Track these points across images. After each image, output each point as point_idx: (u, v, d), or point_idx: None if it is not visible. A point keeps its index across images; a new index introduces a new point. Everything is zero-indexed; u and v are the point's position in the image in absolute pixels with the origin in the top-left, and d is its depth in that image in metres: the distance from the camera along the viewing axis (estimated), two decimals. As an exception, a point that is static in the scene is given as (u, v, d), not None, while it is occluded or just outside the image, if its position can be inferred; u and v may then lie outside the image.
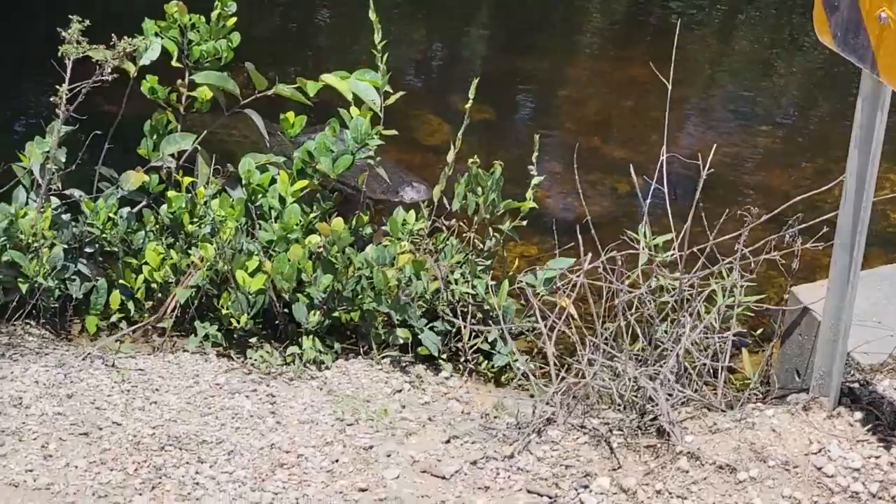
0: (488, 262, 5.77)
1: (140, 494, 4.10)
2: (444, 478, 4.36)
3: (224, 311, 5.41)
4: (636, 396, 4.72)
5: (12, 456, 4.25)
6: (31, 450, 4.30)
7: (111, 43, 5.44)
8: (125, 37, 5.50)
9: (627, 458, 4.50)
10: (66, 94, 5.45)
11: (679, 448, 4.47)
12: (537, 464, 4.44)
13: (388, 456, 4.47)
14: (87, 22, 5.44)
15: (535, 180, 5.81)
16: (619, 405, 4.74)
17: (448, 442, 4.59)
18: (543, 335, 5.16)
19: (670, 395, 4.69)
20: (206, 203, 5.58)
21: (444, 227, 5.81)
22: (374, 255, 5.42)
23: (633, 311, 5.25)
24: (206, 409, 4.76)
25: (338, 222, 5.33)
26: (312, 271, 5.38)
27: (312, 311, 5.37)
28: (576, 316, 5.39)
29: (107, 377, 4.93)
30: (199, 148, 5.92)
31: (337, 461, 4.42)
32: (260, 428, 4.63)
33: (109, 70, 5.43)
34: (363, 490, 4.26)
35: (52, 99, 5.46)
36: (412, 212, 5.76)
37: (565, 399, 4.71)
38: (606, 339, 5.01)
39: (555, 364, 4.99)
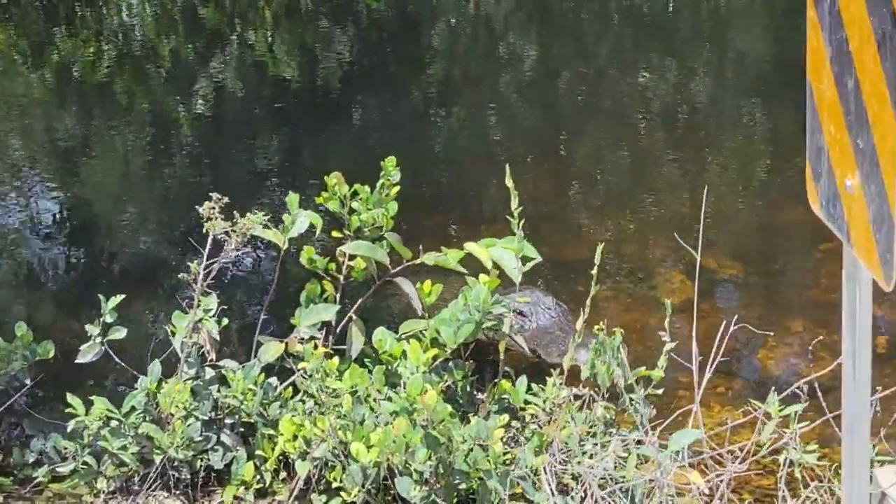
0: (616, 432, 5.44)
1: None
2: None
3: (335, 485, 5.37)
4: None
5: None
6: None
7: (233, 220, 5.60)
8: (248, 213, 5.65)
9: None
10: (202, 270, 5.65)
11: None
12: None
13: None
14: (226, 199, 5.65)
15: (666, 347, 5.45)
16: None
17: None
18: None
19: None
20: (327, 375, 5.57)
21: (573, 397, 5.54)
22: (474, 430, 5.23)
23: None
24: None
25: (430, 395, 5.19)
26: (420, 444, 5.26)
27: (415, 486, 5.23)
28: (707, 491, 5.01)
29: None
30: (354, 317, 5.98)
31: None
32: None
33: (233, 246, 5.59)
34: None
35: (181, 276, 5.67)
36: (551, 379, 5.56)
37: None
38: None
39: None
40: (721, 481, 4.87)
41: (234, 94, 11.69)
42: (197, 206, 5.65)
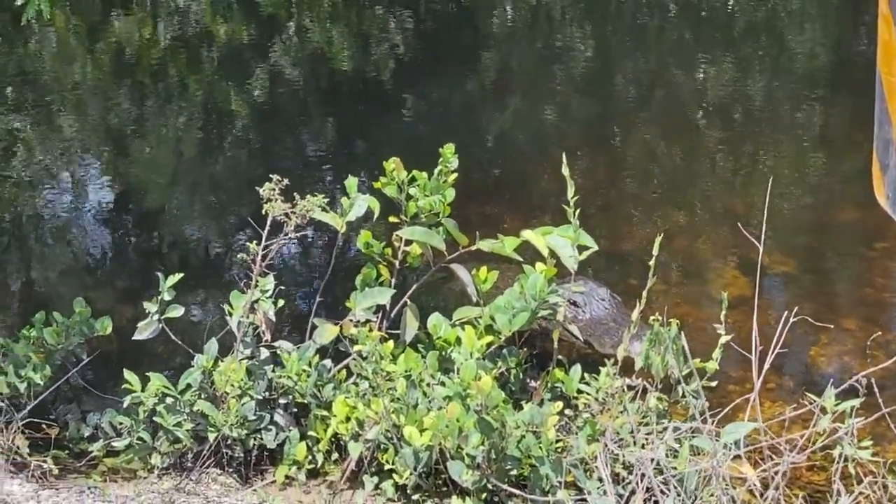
0: (669, 422, 5.44)
1: None
2: None
3: (388, 466, 5.40)
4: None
5: None
6: None
7: (293, 202, 5.64)
8: (308, 195, 5.69)
9: None
10: (261, 251, 5.69)
11: None
12: None
13: None
14: (286, 181, 5.68)
15: (721, 340, 5.45)
16: None
17: None
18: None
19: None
20: (381, 358, 5.60)
21: (626, 387, 5.55)
22: (528, 416, 5.25)
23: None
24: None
25: (485, 381, 5.21)
26: (473, 429, 5.28)
27: (467, 470, 5.25)
28: (757, 483, 5.01)
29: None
30: (409, 302, 6.00)
31: None
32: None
33: (292, 228, 5.63)
34: None
35: (240, 256, 5.71)
36: (605, 369, 5.58)
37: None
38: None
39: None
40: (776, 472, 4.86)
41: (289, 80, 11.75)
42: (257, 188, 5.69)
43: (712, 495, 5.05)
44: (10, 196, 9.04)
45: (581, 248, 5.80)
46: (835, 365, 6.79)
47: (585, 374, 5.72)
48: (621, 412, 5.43)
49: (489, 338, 5.70)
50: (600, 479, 5.25)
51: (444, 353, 5.81)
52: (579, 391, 5.66)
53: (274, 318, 5.85)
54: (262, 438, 5.73)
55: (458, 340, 5.78)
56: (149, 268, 7.14)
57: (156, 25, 13.19)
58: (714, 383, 5.52)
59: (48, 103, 11.06)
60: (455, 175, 6.08)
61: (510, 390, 5.82)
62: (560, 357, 5.92)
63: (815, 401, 5.11)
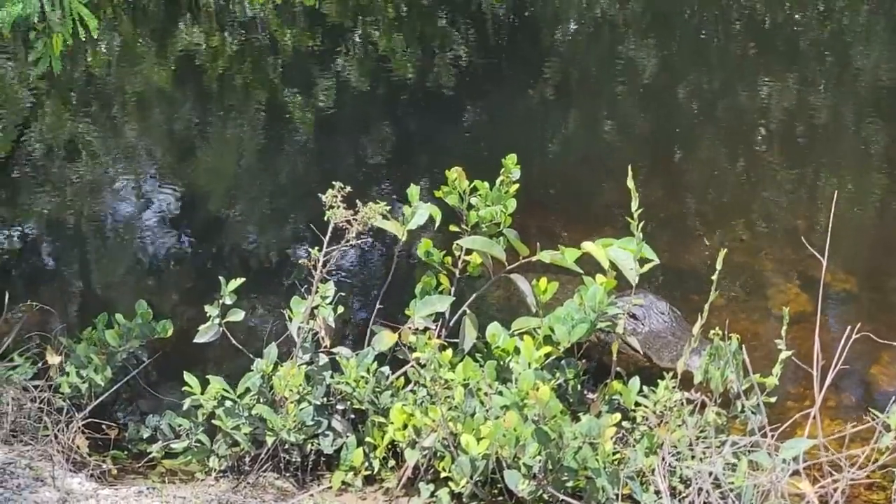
0: (727, 437, 5.39)
1: None
2: None
3: (444, 474, 5.41)
4: None
5: None
6: None
7: (355, 209, 5.66)
8: (370, 202, 5.71)
9: None
10: (322, 258, 5.72)
11: None
12: None
13: None
14: (348, 188, 5.70)
15: (782, 356, 5.41)
16: None
17: None
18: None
19: None
20: (440, 366, 5.60)
21: (684, 401, 5.51)
22: (585, 428, 5.24)
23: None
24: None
25: (544, 391, 5.20)
26: (530, 439, 5.28)
27: (523, 480, 5.25)
28: (815, 500, 4.96)
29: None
30: (468, 311, 6.01)
31: None
32: None
33: (354, 235, 5.66)
34: None
35: (301, 262, 5.74)
36: (663, 382, 5.55)
37: None
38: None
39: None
40: (835, 489, 4.81)
41: (352, 88, 11.79)
42: (320, 195, 5.72)
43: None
44: (75, 200, 9.13)
45: (642, 262, 5.77)
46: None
47: (644, 387, 5.70)
48: (679, 426, 5.41)
49: (548, 348, 5.70)
50: (657, 492, 5.24)
51: (502, 362, 5.82)
52: (637, 404, 5.64)
53: (333, 325, 5.88)
54: (319, 443, 5.76)
55: (517, 350, 5.79)
56: (210, 272, 7.21)
57: (222, 34, 13.29)
58: (774, 399, 5.49)
59: (112, 110, 11.16)
60: (517, 185, 6.08)
61: (568, 401, 5.81)
62: (618, 369, 5.90)
63: (877, 417, 5.05)
